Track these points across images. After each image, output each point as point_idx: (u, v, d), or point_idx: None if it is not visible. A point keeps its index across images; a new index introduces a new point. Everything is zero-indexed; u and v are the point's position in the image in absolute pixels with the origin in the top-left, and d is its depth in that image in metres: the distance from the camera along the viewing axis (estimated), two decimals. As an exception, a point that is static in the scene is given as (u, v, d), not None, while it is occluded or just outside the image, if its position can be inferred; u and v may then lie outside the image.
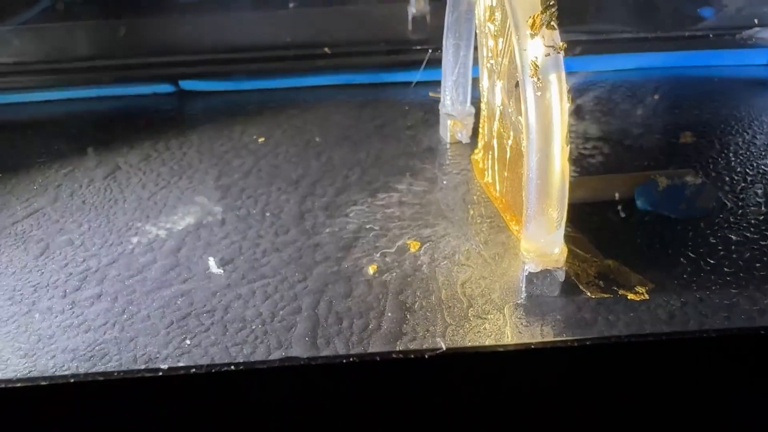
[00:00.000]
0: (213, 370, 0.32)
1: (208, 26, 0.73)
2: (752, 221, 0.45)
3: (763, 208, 0.46)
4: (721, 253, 0.42)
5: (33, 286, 0.41)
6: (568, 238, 0.43)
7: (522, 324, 0.37)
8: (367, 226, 0.46)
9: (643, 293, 0.38)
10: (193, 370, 0.32)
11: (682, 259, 0.41)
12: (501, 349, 0.33)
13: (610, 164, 0.53)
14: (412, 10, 0.80)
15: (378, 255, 0.43)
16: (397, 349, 0.34)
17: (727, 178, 0.50)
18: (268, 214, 0.48)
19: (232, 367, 0.33)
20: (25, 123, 0.66)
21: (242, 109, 0.66)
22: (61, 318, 0.38)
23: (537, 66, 0.34)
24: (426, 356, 0.32)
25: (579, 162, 0.53)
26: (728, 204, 0.46)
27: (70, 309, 0.39)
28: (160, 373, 0.33)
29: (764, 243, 0.42)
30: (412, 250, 0.44)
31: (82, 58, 0.72)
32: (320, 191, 0.51)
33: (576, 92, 0.67)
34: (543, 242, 0.37)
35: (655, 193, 0.46)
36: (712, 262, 0.41)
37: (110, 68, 0.72)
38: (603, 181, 0.48)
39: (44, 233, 0.47)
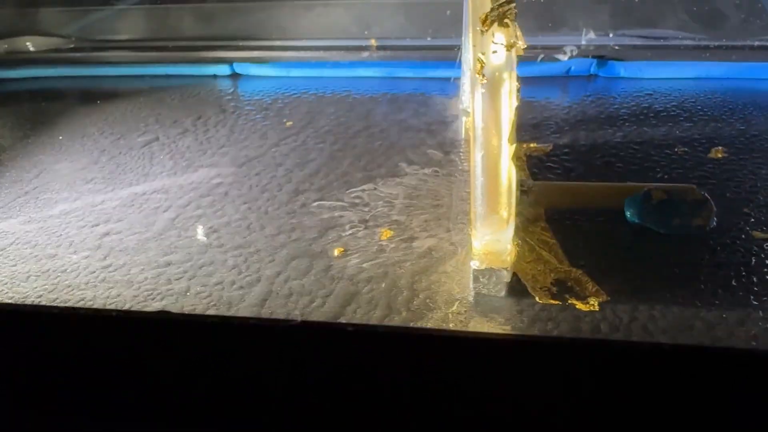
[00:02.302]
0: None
1: (265, 15, 0.77)
2: (749, 247, 0.41)
3: (761, 233, 0.42)
4: (699, 273, 0.39)
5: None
6: (541, 242, 0.43)
7: (458, 320, 0.37)
8: (352, 212, 0.48)
9: (593, 305, 0.37)
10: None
11: (653, 276, 0.39)
12: (350, 329, 0.34)
13: (623, 173, 0.51)
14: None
15: (349, 239, 0.45)
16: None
17: (738, 198, 0.46)
18: (266, 192, 0.51)
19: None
20: (107, 93, 0.74)
21: (283, 94, 0.70)
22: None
23: (482, 63, 0.34)
24: (280, 326, 0.34)
25: (591, 166, 0.52)
26: (729, 225, 0.43)
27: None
28: (114, 314, 0.37)
29: (749, 268, 0.39)
30: (383, 238, 0.45)
31: (158, 39, 0.79)
32: (322, 175, 0.53)
33: (626, 97, 0.65)
34: (490, 241, 0.37)
35: (646, 206, 0.44)
36: (683, 281, 0.39)
37: (180, 49, 0.78)
38: (594, 189, 0.46)
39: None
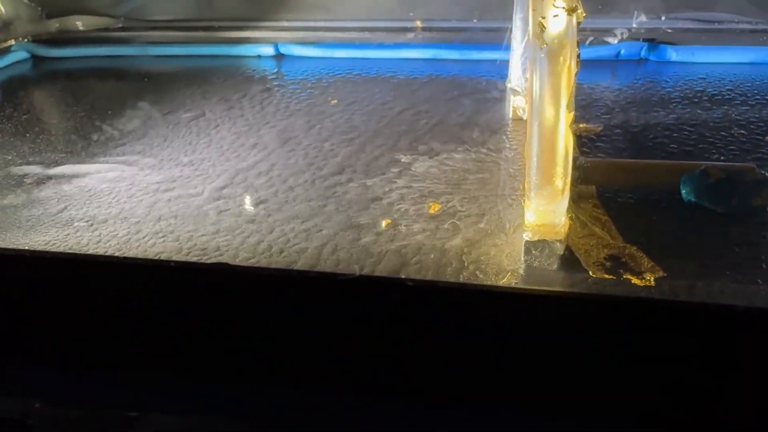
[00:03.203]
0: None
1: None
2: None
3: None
4: (760, 253, 0.38)
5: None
6: (593, 218, 0.42)
7: (506, 289, 0.36)
8: (398, 186, 0.47)
9: (650, 280, 0.36)
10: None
11: (711, 254, 0.38)
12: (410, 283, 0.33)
13: (677, 154, 0.50)
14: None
15: (397, 212, 0.44)
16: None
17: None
18: (313, 165, 0.51)
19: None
20: (154, 72, 0.75)
21: (327, 74, 0.70)
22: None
23: (543, 27, 0.33)
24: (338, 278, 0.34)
25: (643, 147, 0.50)
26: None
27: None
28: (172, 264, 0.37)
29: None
30: (431, 211, 0.44)
31: (203, 19, 0.80)
32: (368, 150, 0.53)
33: (677, 81, 0.63)
34: (544, 212, 0.36)
35: (703, 184, 0.42)
36: (743, 260, 0.37)
37: (225, 29, 0.78)
38: (648, 166, 0.45)
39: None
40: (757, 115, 0.55)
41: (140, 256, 0.40)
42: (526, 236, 0.37)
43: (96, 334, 0.39)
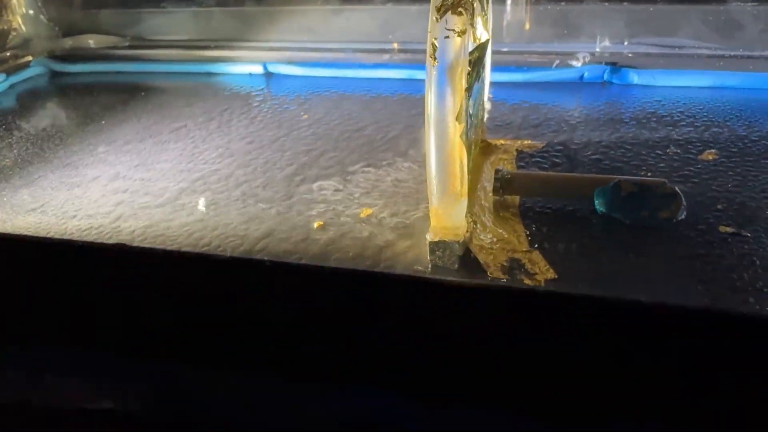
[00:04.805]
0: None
1: (297, 19, 0.83)
2: (712, 240, 0.42)
3: (729, 229, 0.43)
4: (651, 261, 0.40)
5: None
6: (508, 226, 0.45)
7: (409, 286, 0.40)
8: (341, 192, 0.51)
9: (540, 281, 0.39)
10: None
11: (607, 261, 0.41)
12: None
13: (607, 169, 0.52)
14: (506, 16, 0.82)
15: (331, 216, 0.48)
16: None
17: (717, 196, 0.47)
18: (268, 172, 0.56)
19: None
20: (152, 87, 0.81)
21: (308, 92, 0.75)
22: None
23: (435, 47, 0.37)
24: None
25: (577, 162, 0.53)
26: (699, 219, 0.44)
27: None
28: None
29: (704, 258, 0.40)
30: (362, 215, 0.48)
31: (202, 39, 0.86)
32: (322, 161, 0.57)
33: (634, 103, 0.66)
34: (444, 215, 0.40)
35: (615, 197, 0.45)
36: (632, 267, 0.40)
37: (220, 48, 0.84)
38: (566, 179, 0.48)
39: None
40: (697, 136, 0.57)
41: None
42: (428, 237, 0.40)
43: None
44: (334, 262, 0.42)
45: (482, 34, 0.45)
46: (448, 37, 0.37)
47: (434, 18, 0.37)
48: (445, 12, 0.37)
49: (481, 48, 0.44)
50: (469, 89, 0.38)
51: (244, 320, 0.41)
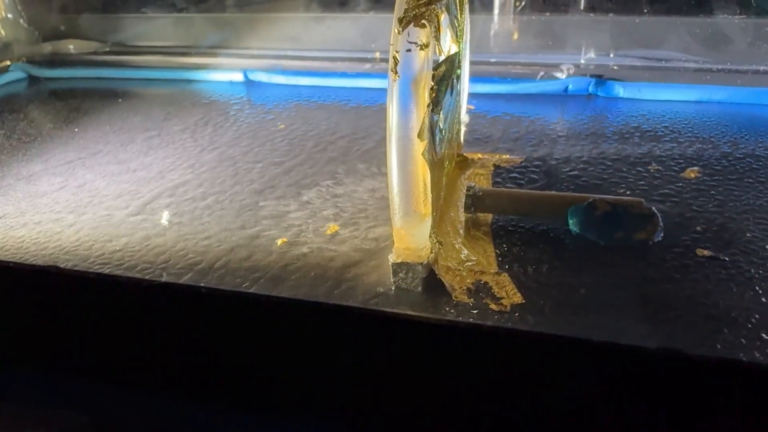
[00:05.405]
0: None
1: (279, 27, 0.81)
2: (688, 264, 0.40)
3: (707, 252, 0.41)
4: (623, 284, 0.39)
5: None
6: (478, 246, 0.43)
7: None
8: (309, 207, 0.50)
9: (506, 306, 0.37)
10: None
11: (577, 284, 0.39)
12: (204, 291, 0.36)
13: (584, 187, 0.51)
14: (494, 26, 0.81)
15: (296, 232, 0.46)
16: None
17: (696, 217, 0.45)
18: (237, 185, 0.54)
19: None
20: (130, 93, 0.80)
21: (287, 100, 0.73)
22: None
23: (397, 60, 0.35)
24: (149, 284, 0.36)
25: (555, 179, 0.51)
26: (676, 241, 0.42)
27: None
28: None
29: (680, 284, 0.38)
30: (328, 232, 0.46)
31: (182, 46, 0.84)
32: (293, 174, 0.55)
33: (618, 117, 0.64)
34: (406, 236, 0.38)
35: (589, 216, 0.43)
36: (605, 291, 0.38)
37: (200, 55, 0.83)
38: (539, 197, 0.46)
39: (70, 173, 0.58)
40: (680, 152, 0.55)
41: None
42: (391, 258, 0.39)
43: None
44: (291, 283, 0.40)
45: (451, 47, 0.44)
46: (410, 50, 0.35)
47: (396, 30, 0.35)
48: (408, 24, 0.35)
49: (449, 61, 0.42)
50: (435, 104, 0.36)
51: (181, 345, 0.39)
